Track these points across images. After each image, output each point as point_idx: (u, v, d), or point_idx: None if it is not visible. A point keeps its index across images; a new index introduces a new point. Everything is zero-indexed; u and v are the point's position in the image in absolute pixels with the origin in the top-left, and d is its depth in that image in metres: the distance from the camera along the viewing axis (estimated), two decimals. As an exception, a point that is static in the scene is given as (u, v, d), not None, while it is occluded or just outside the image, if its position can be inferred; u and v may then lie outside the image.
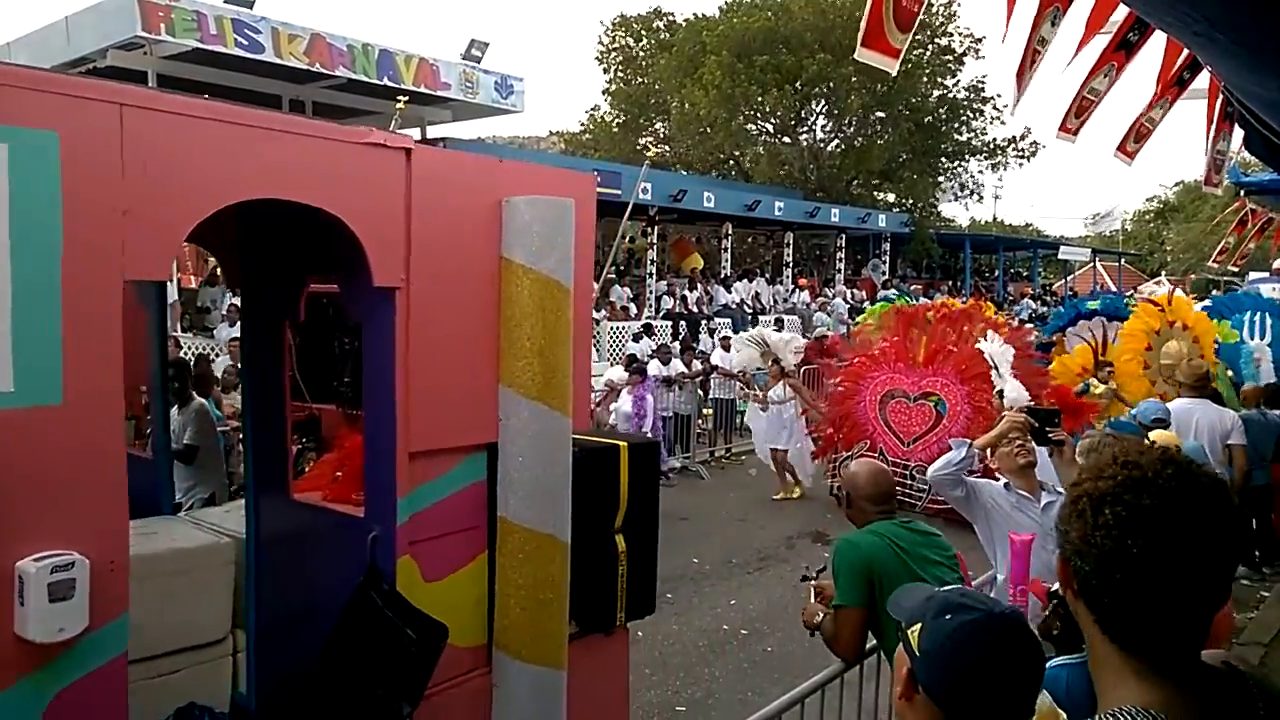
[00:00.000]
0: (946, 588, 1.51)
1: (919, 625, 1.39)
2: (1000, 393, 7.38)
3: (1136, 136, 5.27)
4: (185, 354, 10.05)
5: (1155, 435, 4.39)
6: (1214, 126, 4.98)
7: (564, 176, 3.47)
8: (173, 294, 11.80)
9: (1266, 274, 20.91)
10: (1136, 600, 1.09)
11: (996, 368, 7.72)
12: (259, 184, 2.51)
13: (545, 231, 3.01)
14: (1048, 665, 2.24)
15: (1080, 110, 4.61)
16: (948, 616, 1.36)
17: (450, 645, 2.81)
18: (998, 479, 3.80)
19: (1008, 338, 8.64)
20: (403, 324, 2.81)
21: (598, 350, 13.44)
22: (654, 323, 15.73)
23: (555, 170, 3.55)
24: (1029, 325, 14.81)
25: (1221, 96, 4.21)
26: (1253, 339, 11.07)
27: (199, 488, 5.45)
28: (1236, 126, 4.46)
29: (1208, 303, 12.95)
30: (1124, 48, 4.20)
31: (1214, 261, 15.68)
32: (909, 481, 8.73)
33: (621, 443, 3.43)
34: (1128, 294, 17.53)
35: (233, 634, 3.35)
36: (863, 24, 3.34)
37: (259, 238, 3.37)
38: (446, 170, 2.97)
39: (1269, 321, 11.20)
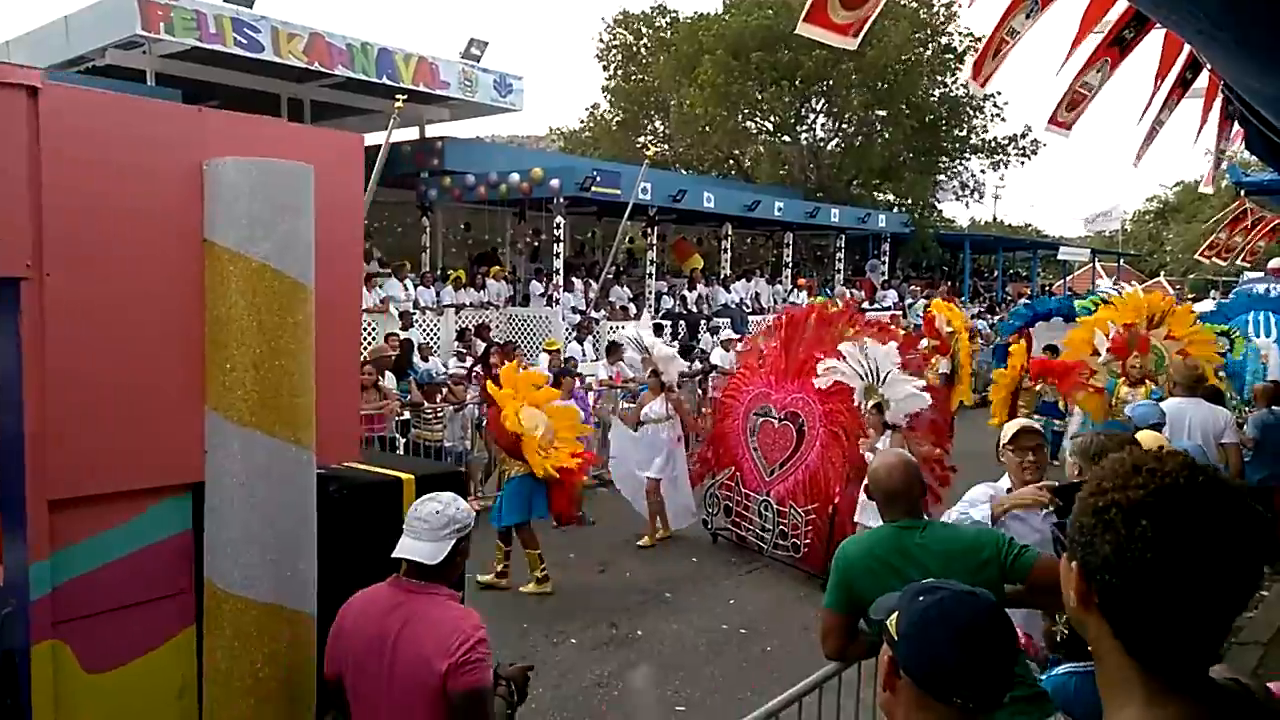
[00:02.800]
0: (925, 581, 1.56)
1: (895, 614, 1.47)
2: (877, 406, 6.39)
3: (1146, 139, 5.28)
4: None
5: (1142, 437, 4.34)
6: (1216, 126, 4.97)
7: (303, 135, 2.68)
8: None
9: (1261, 274, 20.91)
10: (1167, 613, 1.06)
11: (872, 373, 6.54)
12: None
13: (263, 206, 2.28)
14: (1054, 672, 2.24)
15: (1072, 104, 4.60)
16: (921, 598, 1.47)
17: None
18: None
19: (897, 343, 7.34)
20: (34, 327, 2.09)
21: (596, 351, 13.42)
22: (661, 323, 15.72)
23: (287, 126, 2.80)
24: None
25: (1221, 95, 4.20)
26: (1257, 337, 11.07)
27: None
28: (1236, 124, 4.45)
29: (1211, 307, 12.92)
30: (1118, 44, 4.18)
31: (1201, 255, 15.72)
32: (757, 519, 7.55)
33: (405, 475, 2.81)
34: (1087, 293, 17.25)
35: None
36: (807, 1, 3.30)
37: None
38: (107, 120, 2.20)
39: (1272, 319, 11.19)
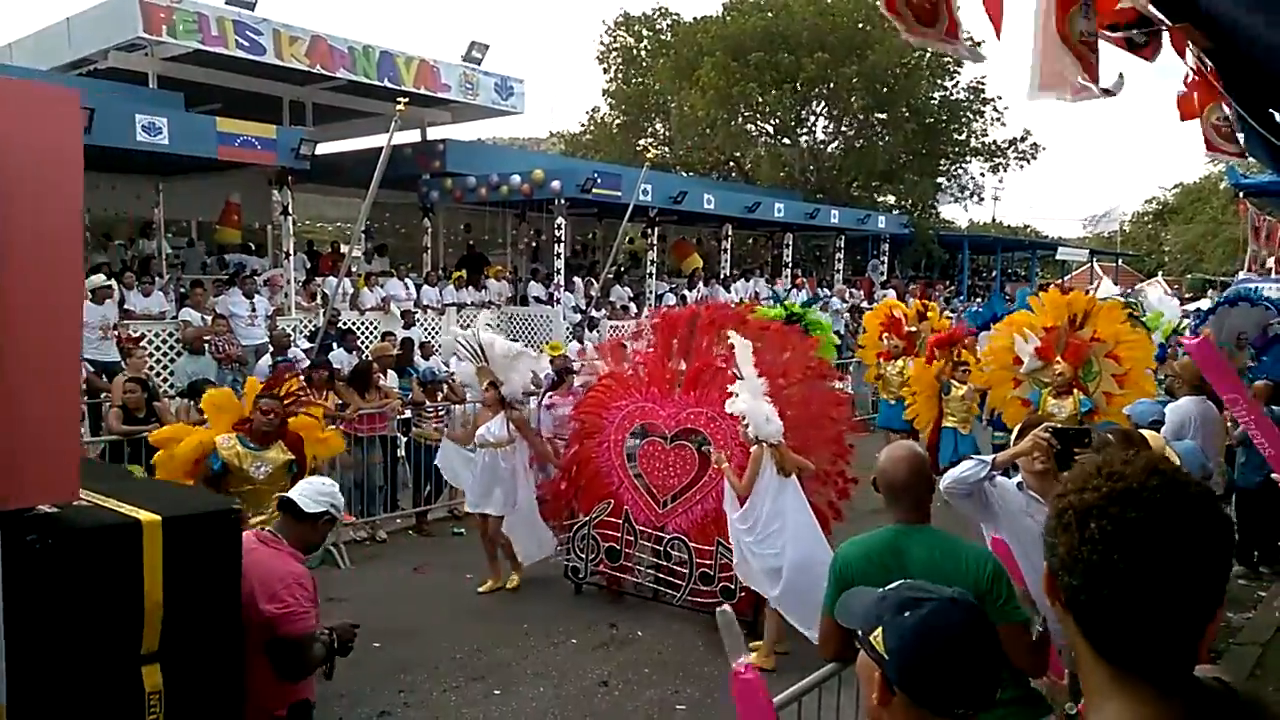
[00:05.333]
0: (893, 585, 1.53)
1: (879, 628, 1.43)
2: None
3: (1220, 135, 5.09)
4: None
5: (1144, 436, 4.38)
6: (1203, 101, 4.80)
7: None
8: None
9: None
10: (1125, 615, 1.07)
11: (741, 375, 5.65)
12: None
13: None
14: None
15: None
16: (907, 614, 1.42)
17: None
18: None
19: (795, 351, 6.46)
20: None
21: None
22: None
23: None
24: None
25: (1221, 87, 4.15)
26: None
27: None
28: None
29: (1208, 304, 12.87)
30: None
31: (1250, 270, 15.52)
32: (663, 561, 6.36)
33: (148, 517, 2.30)
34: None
35: None
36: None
37: None
38: None
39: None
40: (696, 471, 6.32)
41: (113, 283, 10.76)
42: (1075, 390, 7.31)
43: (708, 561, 6.14)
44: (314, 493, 3.36)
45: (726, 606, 2.49)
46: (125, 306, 11.08)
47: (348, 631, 3.30)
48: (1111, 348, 7.57)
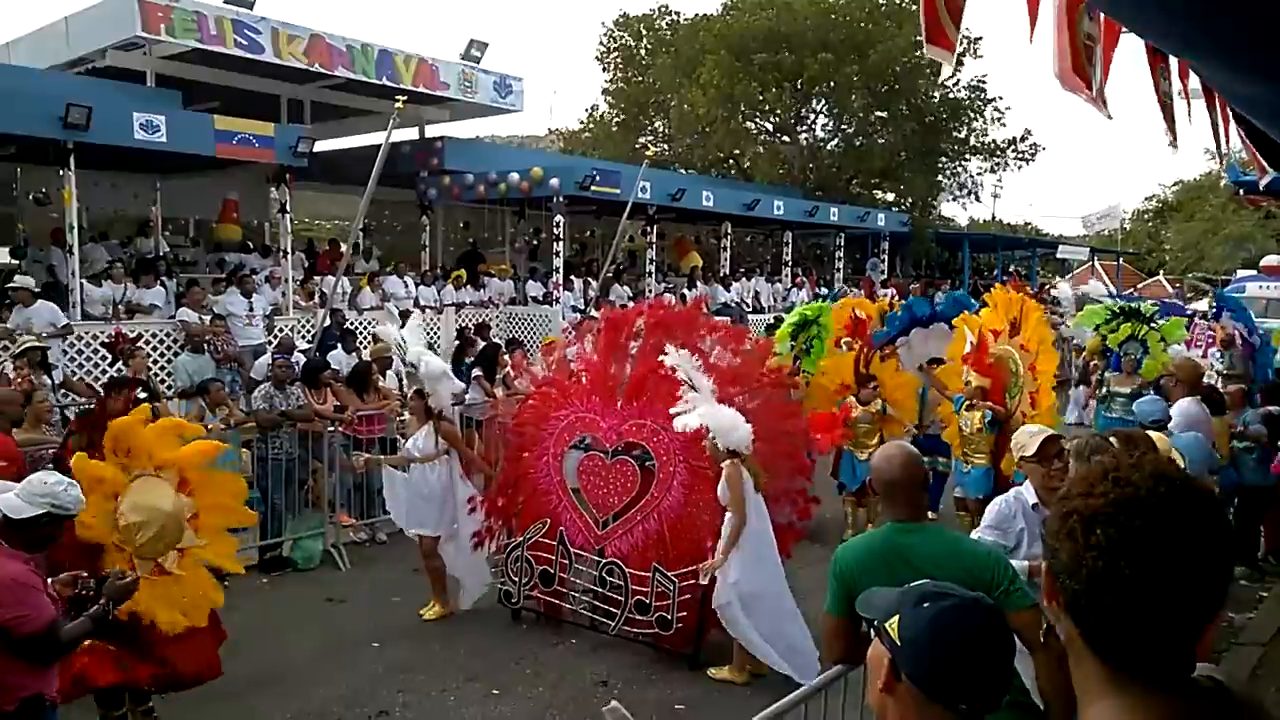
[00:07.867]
0: (919, 582, 1.54)
1: (896, 617, 1.45)
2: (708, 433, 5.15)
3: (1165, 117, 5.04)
4: None
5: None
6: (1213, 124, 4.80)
7: None
8: None
9: (1254, 272, 20.90)
10: (1127, 620, 1.08)
11: (692, 385, 5.31)
12: None
13: None
14: None
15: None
16: (926, 605, 1.44)
17: None
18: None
19: (745, 358, 6.00)
20: None
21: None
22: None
23: None
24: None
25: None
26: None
27: None
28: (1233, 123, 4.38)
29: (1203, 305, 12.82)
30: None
31: None
32: (597, 587, 5.81)
33: None
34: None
35: None
36: (921, 22, 3.22)
37: None
38: None
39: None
40: (638, 490, 5.77)
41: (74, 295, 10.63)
42: (982, 402, 6.83)
43: (643, 589, 5.59)
44: (28, 494, 3.28)
45: (615, 703, 2.39)
46: (129, 299, 11.08)
47: (117, 590, 3.48)
48: (1033, 359, 7.10)
